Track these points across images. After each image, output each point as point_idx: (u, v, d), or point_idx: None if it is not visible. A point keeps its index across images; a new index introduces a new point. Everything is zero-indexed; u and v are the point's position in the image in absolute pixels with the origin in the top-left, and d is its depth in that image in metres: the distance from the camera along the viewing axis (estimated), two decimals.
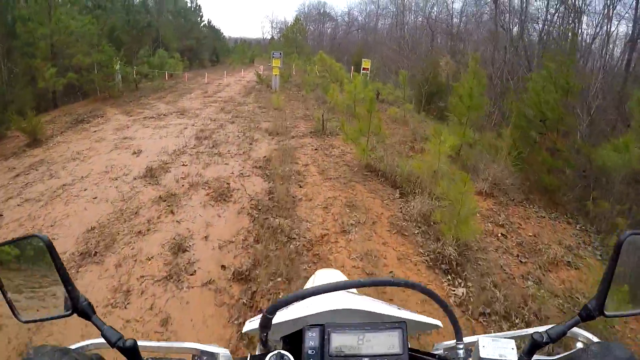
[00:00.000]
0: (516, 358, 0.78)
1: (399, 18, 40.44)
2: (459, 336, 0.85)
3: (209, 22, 44.02)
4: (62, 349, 0.69)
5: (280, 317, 0.89)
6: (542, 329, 0.81)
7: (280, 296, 3.54)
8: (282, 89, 16.54)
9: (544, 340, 0.79)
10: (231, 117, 11.74)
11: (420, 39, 32.91)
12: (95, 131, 9.95)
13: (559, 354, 0.85)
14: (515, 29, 21.54)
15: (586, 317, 0.80)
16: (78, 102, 14.79)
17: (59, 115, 12.40)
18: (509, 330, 1.58)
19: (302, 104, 14.19)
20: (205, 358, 0.85)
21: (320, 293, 0.75)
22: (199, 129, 9.96)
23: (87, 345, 0.83)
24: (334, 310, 0.90)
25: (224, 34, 52.34)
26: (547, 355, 0.87)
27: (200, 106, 13.47)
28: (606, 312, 0.80)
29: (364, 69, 17.45)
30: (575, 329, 0.84)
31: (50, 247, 0.75)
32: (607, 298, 0.79)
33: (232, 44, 56.20)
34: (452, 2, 33.80)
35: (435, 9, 35.96)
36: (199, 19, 38.89)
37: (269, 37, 66.15)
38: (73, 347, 0.79)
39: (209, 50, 39.32)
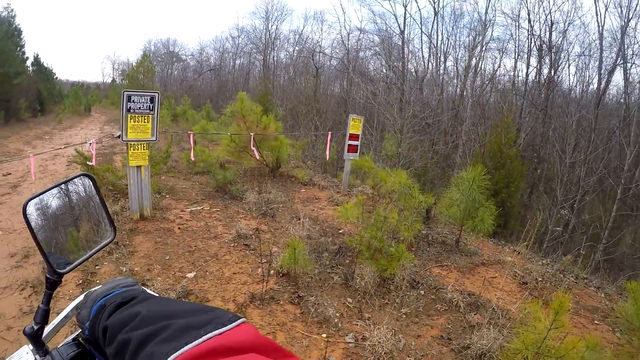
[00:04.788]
0: (34, 358, 0.80)
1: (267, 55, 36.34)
2: None
3: (36, 59, 31.37)
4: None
5: None
6: None
7: None
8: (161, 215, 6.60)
9: (36, 328, 0.80)
10: None
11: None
12: None
13: None
14: None
15: (51, 285, 0.84)
16: None
17: None
18: None
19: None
20: None
21: None
22: None
23: None
24: None
25: (56, 76, 39.94)
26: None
27: None
28: (61, 271, 0.84)
29: (352, 137, 8.02)
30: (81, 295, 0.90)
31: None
32: (50, 261, 0.82)
33: (69, 87, 44.33)
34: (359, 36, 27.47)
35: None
36: (17, 49, 25.96)
37: (109, 80, 59.28)
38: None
39: (30, 95, 26.46)
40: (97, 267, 4.64)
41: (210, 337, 0.53)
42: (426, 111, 16.60)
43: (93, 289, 0.82)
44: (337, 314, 3.81)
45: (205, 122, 12.37)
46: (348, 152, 8.11)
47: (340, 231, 5.91)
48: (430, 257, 5.30)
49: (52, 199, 0.90)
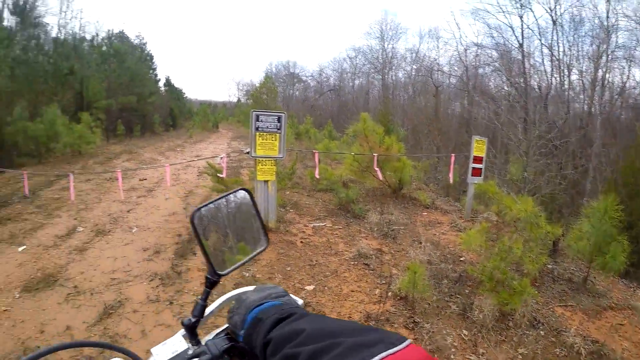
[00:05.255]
0: (187, 346, 0.89)
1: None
2: None
3: (168, 80, 34.51)
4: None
5: None
6: None
7: None
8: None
9: (193, 321, 0.91)
10: None
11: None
12: None
13: None
14: None
15: (211, 284, 0.94)
16: None
17: None
18: None
19: None
20: None
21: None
22: None
23: None
24: None
25: (186, 95, 43.54)
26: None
27: None
28: (221, 272, 0.93)
29: (476, 159, 7.72)
30: (229, 294, 1.06)
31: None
32: (212, 263, 0.91)
33: (198, 106, 48.02)
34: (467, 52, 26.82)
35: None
36: (151, 72, 28.80)
37: (235, 99, 61.72)
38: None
39: (162, 111, 29.10)
40: None
41: (384, 357, 0.54)
42: (552, 131, 15.36)
43: (244, 294, 0.89)
44: (451, 345, 3.69)
45: (328, 141, 12.56)
46: (472, 175, 7.72)
47: (461, 258, 5.69)
48: (554, 294, 4.89)
49: (215, 209, 1.02)
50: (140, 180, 10.37)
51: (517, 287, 3.93)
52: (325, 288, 4.57)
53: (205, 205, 0.98)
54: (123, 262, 5.24)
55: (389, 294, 4.38)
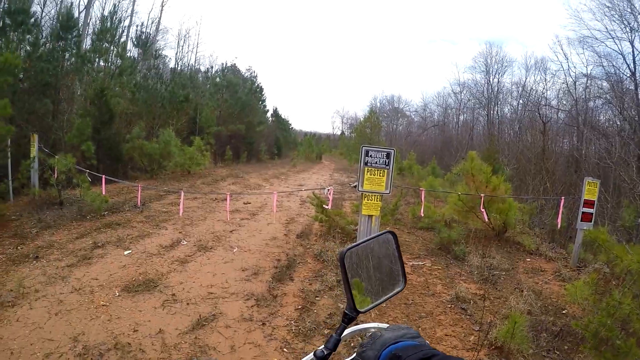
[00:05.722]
0: None
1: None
2: None
3: (275, 111, 36.29)
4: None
5: None
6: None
7: None
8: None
9: (325, 353, 0.93)
10: None
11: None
12: None
13: None
14: None
15: (348, 320, 0.96)
16: None
17: None
18: None
19: None
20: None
21: None
22: None
23: None
24: None
25: (292, 126, 45.38)
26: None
27: None
28: (360, 310, 0.96)
29: (586, 203, 7.23)
30: (364, 325, 1.15)
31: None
32: (354, 299, 0.94)
33: (302, 137, 50.99)
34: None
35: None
36: (260, 103, 30.56)
37: (338, 132, 64.43)
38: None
39: (269, 140, 30.63)
40: (317, 299, 5.01)
41: None
42: None
43: (378, 331, 0.93)
44: None
45: (432, 178, 12.42)
46: (581, 220, 7.20)
47: (563, 311, 5.30)
48: None
49: (362, 249, 1.04)
50: (244, 203, 10.90)
51: (622, 347, 3.59)
52: (419, 329, 4.45)
53: (356, 245, 1.03)
54: (221, 278, 5.50)
55: (484, 342, 4.20)
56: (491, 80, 36.26)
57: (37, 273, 5.26)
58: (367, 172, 5.93)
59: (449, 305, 5.12)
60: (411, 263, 6.63)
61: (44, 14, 18.91)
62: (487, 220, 7.67)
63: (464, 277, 6.23)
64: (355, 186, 6.37)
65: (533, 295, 5.47)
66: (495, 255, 7.11)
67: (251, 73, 32.76)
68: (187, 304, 4.66)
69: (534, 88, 31.26)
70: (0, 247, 6.23)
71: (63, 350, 3.55)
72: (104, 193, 8.44)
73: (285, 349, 3.83)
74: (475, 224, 8.28)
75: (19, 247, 6.24)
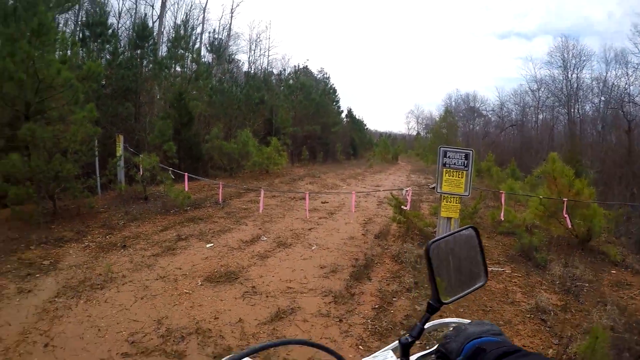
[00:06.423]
0: None
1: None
2: None
3: (349, 112, 36.50)
4: None
5: None
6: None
7: None
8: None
9: (410, 340, 0.95)
10: None
11: None
12: None
13: None
14: None
15: (432, 310, 0.97)
16: None
17: None
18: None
19: None
20: None
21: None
22: None
23: None
24: None
25: (367, 126, 45.35)
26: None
27: None
28: (444, 301, 0.98)
29: None
30: (446, 319, 1.21)
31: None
32: (438, 291, 0.97)
33: (378, 137, 51.13)
34: None
35: None
36: (334, 104, 30.93)
37: (414, 132, 63.21)
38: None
39: (344, 140, 30.92)
40: (394, 299, 5.08)
41: None
42: None
43: (462, 325, 0.94)
44: None
45: (512, 180, 12.04)
46: None
47: None
48: None
49: (446, 242, 1.07)
50: (322, 202, 11.15)
51: None
52: None
53: (441, 238, 1.05)
54: (300, 274, 5.69)
55: (564, 356, 4.09)
56: (570, 75, 33.70)
57: (124, 260, 5.78)
58: (446, 173, 5.97)
59: (528, 315, 5.01)
60: (491, 269, 6.49)
61: (119, 24, 20.64)
62: (570, 226, 7.41)
63: (544, 286, 6.06)
64: (433, 187, 6.40)
65: (617, 311, 5.23)
66: (579, 264, 6.82)
67: (323, 75, 33.32)
68: (267, 296, 4.89)
69: (615, 83, 29.03)
70: (90, 235, 6.86)
71: (147, 331, 3.90)
72: (186, 189, 9.00)
73: (360, 346, 3.93)
74: (557, 231, 7.99)
75: (107, 237, 6.85)
